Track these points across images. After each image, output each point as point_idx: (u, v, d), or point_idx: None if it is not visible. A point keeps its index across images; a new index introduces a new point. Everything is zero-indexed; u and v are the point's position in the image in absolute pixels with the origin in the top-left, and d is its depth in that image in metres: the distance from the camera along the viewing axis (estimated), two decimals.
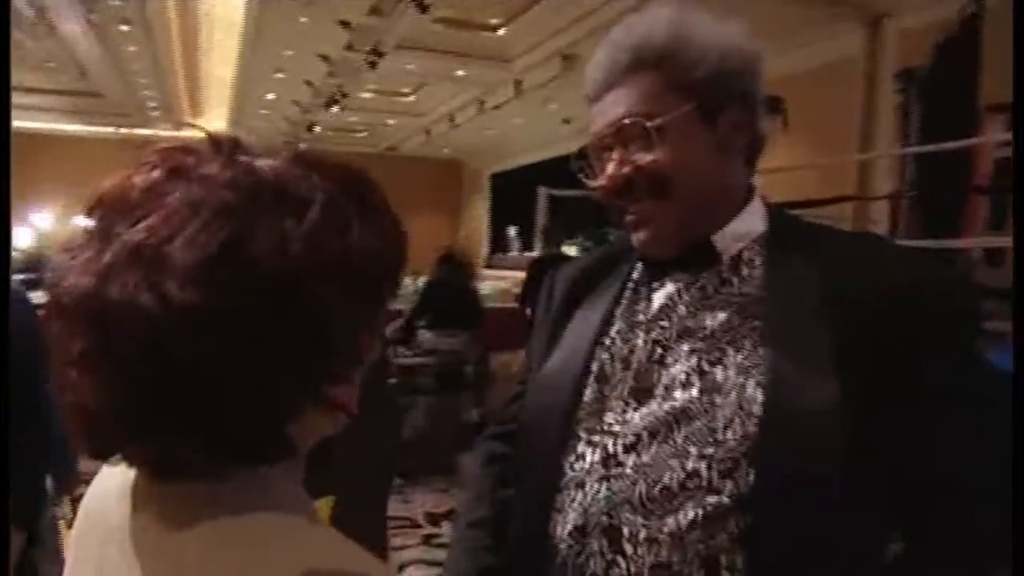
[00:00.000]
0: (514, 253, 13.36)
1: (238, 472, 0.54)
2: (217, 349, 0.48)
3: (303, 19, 7.73)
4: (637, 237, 0.92)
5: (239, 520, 0.52)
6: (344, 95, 10.55)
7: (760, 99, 0.90)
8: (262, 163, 0.57)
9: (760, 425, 0.77)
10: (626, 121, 0.86)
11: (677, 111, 0.84)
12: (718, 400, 0.81)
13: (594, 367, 0.92)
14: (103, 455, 0.57)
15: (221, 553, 0.51)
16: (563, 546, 0.85)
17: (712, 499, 0.77)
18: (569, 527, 0.85)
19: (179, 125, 14.59)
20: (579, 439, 0.89)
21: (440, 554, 3.97)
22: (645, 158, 0.86)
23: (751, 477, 0.76)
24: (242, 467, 0.54)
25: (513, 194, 15.22)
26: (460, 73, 9.76)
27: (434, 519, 4.55)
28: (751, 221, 0.90)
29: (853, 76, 6.69)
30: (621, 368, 0.90)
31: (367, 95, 11.43)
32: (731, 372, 0.82)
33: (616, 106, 0.88)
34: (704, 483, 0.78)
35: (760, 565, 0.75)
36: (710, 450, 0.79)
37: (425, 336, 5.80)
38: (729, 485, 0.77)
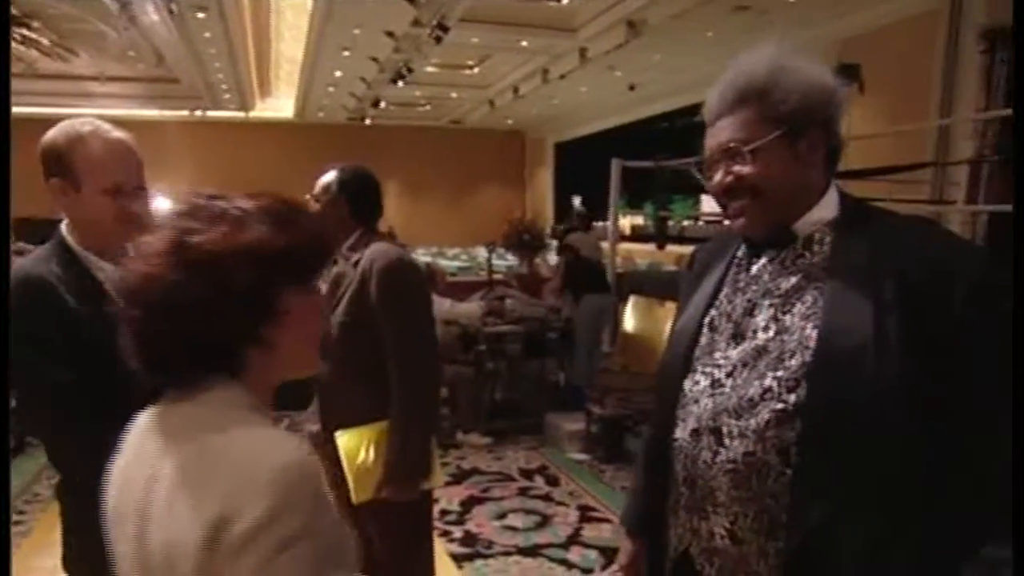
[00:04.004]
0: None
1: (216, 394, 0.85)
2: (175, 303, 0.81)
3: None
4: (737, 224, 1.21)
5: (218, 435, 0.81)
6: (410, 70, 10.68)
7: (836, 121, 1.16)
8: (216, 203, 0.88)
9: (814, 356, 1.06)
10: (731, 145, 1.15)
11: (767, 137, 1.12)
12: (786, 338, 1.12)
13: (707, 320, 1.26)
14: (152, 383, 0.89)
15: (208, 459, 0.80)
16: (684, 443, 1.21)
17: (779, 406, 1.08)
18: (689, 429, 1.20)
19: (247, 106, 14.97)
20: (696, 371, 1.24)
21: (535, 504, 4.37)
22: (743, 171, 1.15)
23: (807, 392, 1.06)
24: (217, 382, 0.85)
25: (578, 163, 15.19)
26: (524, 44, 9.76)
27: (527, 474, 4.82)
28: (824, 210, 1.17)
29: (935, 32, 6.43)
30: (725, 320, 1.23)
31: (431, 69, 11.53)
32: (796, 319, 1.12)
33: (723, 132, 1.17)
34: (775, 395, 1.09)
35: (811, 456, 1.05)
36: (780, 372, 1.10)
37: (512, 304, 6.04)
38: (792, 397, 1.07)
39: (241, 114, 15.58)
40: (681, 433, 1.22)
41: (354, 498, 2.08)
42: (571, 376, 6.32)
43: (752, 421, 1.10)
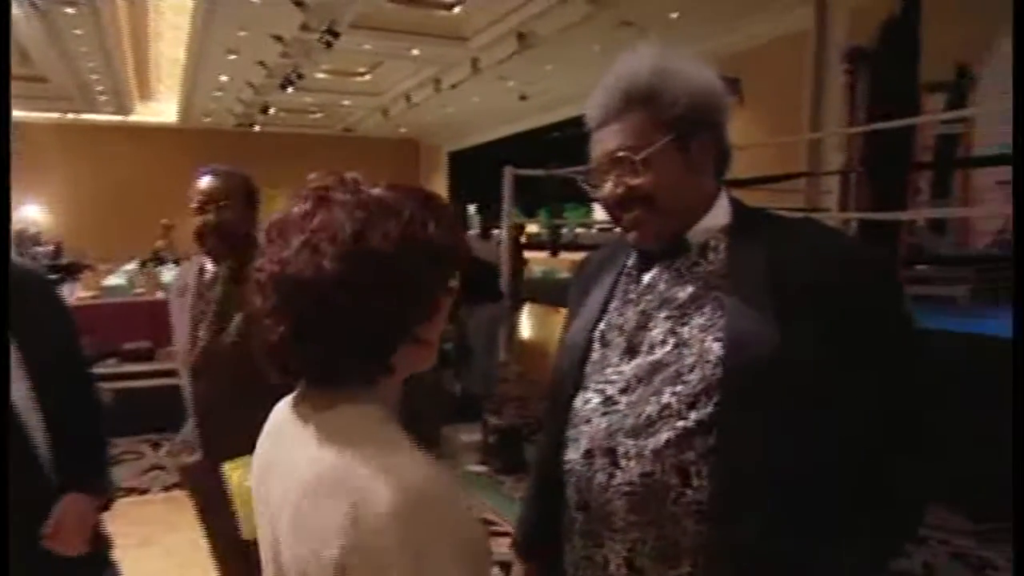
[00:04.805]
0: (475, 231, 13.38)
1: (361, 394, 0.83)
2: (348, 298, 0.78)
3: None
4: (630, 236, 1.15)
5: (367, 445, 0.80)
6: (299, 76, 10.43)
7: (725, 124, 1.12)
8: (372, 189, 0.85)
9: (721, 369, 1.00)
10: (619, 154, 1.08)
11: (657, 144, 1.06)
12: (685, 352, 1.05)
13: (597, 334, 1.18)
14: (287, 375, 0.87)
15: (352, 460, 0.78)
16: (577, 466, 1.13)
17: (680, 424, 1.02)
18: (581, 451, 1.12)
19: (127, 110, 14.22)
20: (587, 388, 1.15)
21: None
22: (634, 181, 1.08)
23: (708, 408, 1.00)
24: (363, 380, 0.83)
25: (472, 172, 15.24)
26: (416, 52, 9.73)
27: None
28: (716, 216, 1.12)
29: (804, 52, 6.86)
30: (617, 333, 1.15)
31: (322, 75, 11.32)
32: (695, 331, 1.05)
33: (610, 140, 1.10)
34: (674, 413, 1.03)
35: (718, 473, 1.00)
36: (678, 388, 1.03)
37: None
38: (693, 414, 1.01)
39: (119, 117, 14.79)
40: (573, 455, 1.14)
41: (245, 533, 1.93)
42: (468, 385, 6.31)
43: (650, 441, 1.04)
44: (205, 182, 1.99)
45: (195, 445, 2.00)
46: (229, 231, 1.95)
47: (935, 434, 1.05)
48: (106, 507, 1.72)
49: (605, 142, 1.10)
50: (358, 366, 0.83)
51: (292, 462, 0.85)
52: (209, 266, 2.01)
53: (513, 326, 5.99)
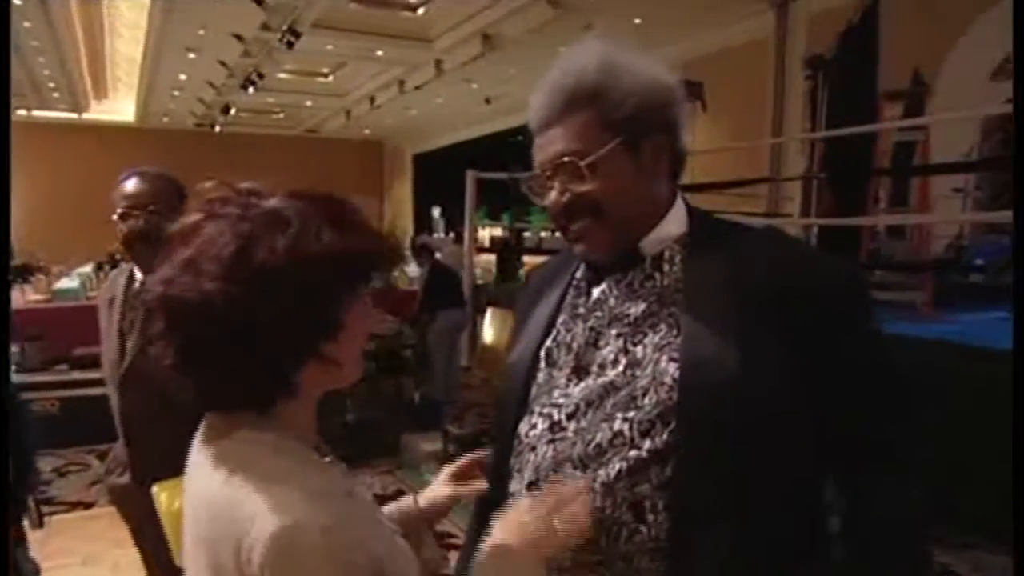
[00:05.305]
0: (440, 234, 13.32)
1: (259, 420, 0.79)
2: (236, 320, 0.73)
3: None
4: (577, 248, 1.05)
5: (255, 472, 0.75)
6: (260, 76, 10.25)
7: (680, 124, 1.02)
8: (266, 200, 0.80)
9: (677, 393, 0.92)
10: (564, 159, 0.99)
11: (605, 147, 0.97)
12: (638, 373, 0.96)
13: (543, 352, 1.09)
14: (187, 400, 0.81)
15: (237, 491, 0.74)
16: (521, 498, 1.01)
17: (633, 454, 0.93)
18: (525, 482, 1.03)
19: (80, 107, 13.87)
20: (533, 412, 1.06)
21: None
22: (580, 188, 0.99)
23: (664, 435, 0.92)
24: (261, 403, 0.79)
25: (436, 174, 15.16)
26: (379, 53, 9.62)
27: (383, 500, 4.57)
28: (672, 225, 1.04)
29: (765, 58, 6.92)
30: (565, 352, 1.06)
31: (284, 76, 11.15)
32: (649, 350, 0.97)
33: (554, 143, 1.00)
34: (627, 441, 0.94)
35: (676, 507, 0.91)
36: (631, 414, 0.95)
37: None
38: (647, 443, 0.93)
39: (74, 115, 14.42)
40: (517, 486, 1.04)
41: (177, 558, 1.81)
42: (429, 391, 6.23)
43: (601, 472, 0.95)
44: (131, 185, 1.86)
45: (125, 463, 1.89)
46: (158, 237, 1.82)
47: (911, 452, 0.98)
48: (21, 536, 1.60)
49: (548, 146, 1.01)
50: (253, 391, 0.78)
51: (194, 488, 0.82)
52: (138, 274, 1.89)
53: (476, 331, 5.92)
